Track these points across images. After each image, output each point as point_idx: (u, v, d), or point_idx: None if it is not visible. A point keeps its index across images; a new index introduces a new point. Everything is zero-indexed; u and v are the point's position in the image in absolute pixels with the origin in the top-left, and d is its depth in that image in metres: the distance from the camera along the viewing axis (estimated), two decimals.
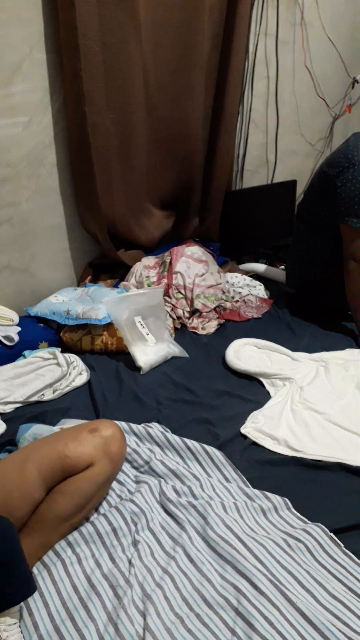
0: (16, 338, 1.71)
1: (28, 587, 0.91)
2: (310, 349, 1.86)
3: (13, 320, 1.76)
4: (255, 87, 2.34)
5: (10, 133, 1.72)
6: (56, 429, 1.33)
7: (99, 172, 1.86)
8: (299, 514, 1.18)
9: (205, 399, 1.59)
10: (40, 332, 1.80)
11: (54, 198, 1.93)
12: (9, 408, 1.51)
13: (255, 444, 1.40)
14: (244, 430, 1.44)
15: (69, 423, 1.40)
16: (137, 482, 1.26)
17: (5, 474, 1.02)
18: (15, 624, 0.89)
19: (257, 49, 2.27)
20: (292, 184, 2.65)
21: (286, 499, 1.21)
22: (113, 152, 1.92)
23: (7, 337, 1.69)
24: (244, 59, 2.13)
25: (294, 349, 1.83)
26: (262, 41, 2.27)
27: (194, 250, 2.22)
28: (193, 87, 2.00)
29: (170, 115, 2.02)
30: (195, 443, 1.35)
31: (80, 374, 1.68)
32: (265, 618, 0.90)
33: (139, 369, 1.73)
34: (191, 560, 1.04)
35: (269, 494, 1.22)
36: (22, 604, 0.95)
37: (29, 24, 1.64)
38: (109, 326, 1.80)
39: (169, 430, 1.42)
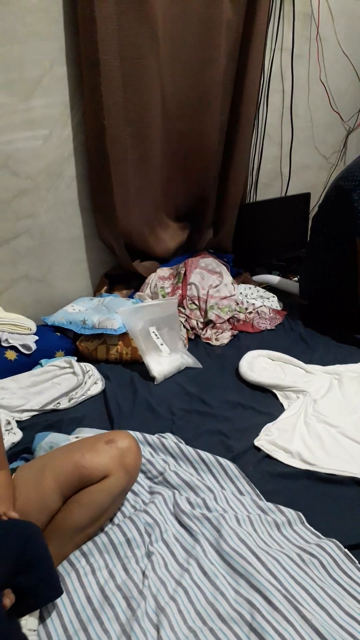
0: (33, 347, 1.73)
1: (57, 589, 0.93)
2: (323, 361, 1.86)
3: (30, 329, 1.79)
4: (270, 101, 2.37)
5: (31, 146, 1.75)
6: (72, 437, 1.34)
7: (116, 184, 1.89)
8: (312, 529, 1.17)
9: (219, 410, 1.59)
10: (57, 341, 1.82)
11: (72, 210, 1.95)
12: (25, 416, 1.53)
13: (268, 456, 1.40)
14: (257, 442, 1.44)
15: (84, 432, 1.41)
16: (151, 492, 1.27)
17: (24, 483, 1.04)
18: (34, 631, 0.90)
19: (273, 63, 2.29)
20: (306, 196, 2.66)
21: (300, 513, 1.21)
22: (130, 165, 1.94)
23: (25, 346, 1.72)
24: (259, 73, 2.15)
25: (307, 361, 1.84)
26: (277, 56, 2.29)
27: (208, 261, 2.24)
28: (209, 102, 2.03)
29: (186, 129, 2.04)
30: (209, 455, 1.35)
31: (95, 383, 1.70)
32: (279, 634, 0.90)
33: (153, 379, 1.74)
34: (205, 574, 1.04)
35: (282, 507, 1.22)
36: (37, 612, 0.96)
37: (50, 38, 1.67)
38: (124, 336, 1.82)
39: (182, 442, 1.43)
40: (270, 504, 1.23)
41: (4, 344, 1.69)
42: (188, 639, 0.92)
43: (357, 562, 1.08)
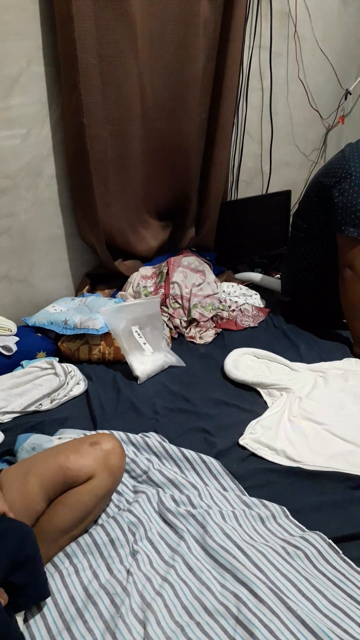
0: (14, 348, 1.71)
1: (45, 589, 0.94)
2: (306, 358, 1.87)
3: (11, 330, 1.76)
4: (249, 98, 2.38)
5: (9, 145, 1.73)
6: (54, 438, 1.33)
7: (97, 183, 1.88)
8: (297, 522, 1.18)
9: (202, 408, 1.59)
10: (38, 342, 1.80)
11: (52, 209, 1.94)
12: (6, 418, 1.52)
13: (253, 454, 1.41)
14: (242, 441, 1.44)
15: (67, 433, 1.40)
16: (135, 492, 1.26)
17: (8, 486, 1.03)
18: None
19: (252, 61, 2.31)
20: (287, 194, 2.68)
21: (284, 508, 1.21)
22: (111, 163, 1.94)
23: (5, 347, 1.70)
24: (238, 71, 2.16)
25: (291, 358, 1.84)
26: (256, 54, 2.31)
27: (191, 260, 2.24)
28: (188, 100, 2.03)
29: (166, 127, 2.04)
30: (193, 453, 1.35)
31: (77, 383, 1.68)
32: (266, 626, 0.90)
33: (136, 378, 1.73)
34: (190, 569, 1.04)
35: (266, 502, 1.22)
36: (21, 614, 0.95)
37: (27, 37, 1.66)
38: (107, 336, 1.81)
39: (166, 440, 1.42)
40: (254, 499, 1.23)
41: None
42: (175, 633, 0.91)
43: (341, 553, 1.08)
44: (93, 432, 1.38)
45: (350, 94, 2.81)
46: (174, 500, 1.21)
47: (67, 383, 1.65)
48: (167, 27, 1.88)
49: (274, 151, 2.61)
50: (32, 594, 0.93)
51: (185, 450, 1.36)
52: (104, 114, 1.83)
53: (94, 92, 1.76)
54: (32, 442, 1.28)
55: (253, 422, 1.52)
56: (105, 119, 1.84)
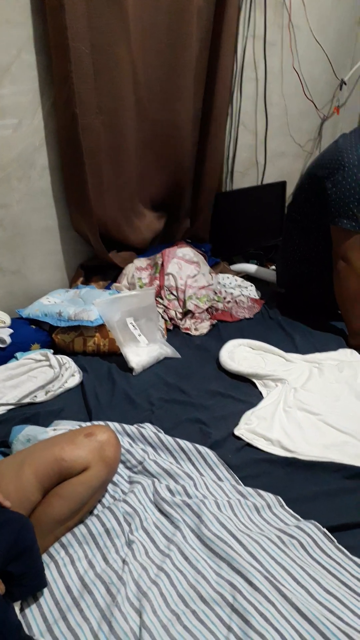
0: (8, 340, 1.70)
1: (42, 579, 0.95)
2: (301, 349, 1.87)
3: (5, 322, 1.76)
4: (244, 89, 2.36)
5: (0, 135, 1.72)
6: (49, 430, 1.33)
7: (90, 174, 1.87)
8: (292, 511, 1.18)
9: (198, 399, 1.59)
10: (32, 333, 1.79)
11: (45, 200, 1.93)
12: (1, 410, 1.51)
13: (248, 444, 1.41)
14: (237, 432, 1.44)
15: (62, 424, 1.40)
16: (131, 482, 1.26)
17: (3, 477, 1.03)
18: None
19: (246, 51, 2.29)
20: (282, 185, 2.67)
21: (279, 497, 1.21)
22: (104, 154, 1.92)
23: (0, 339, 1.69)
24: (232, 61, 2.15)
25: (286, 349, 1.84)
26: (250, 43, 2.29)
27: (186, 251, 2.23)
28: (182, 89, 2.01)
29: (160, 117, 2.03)
30: (188, 443, 1.35)
31: (72, 375, 1.68)
32: (261, 614, 0.91)
33: (131, 370, 1.73)
34: (186, 558, 1.04)
35: (262, 492, 1.23)
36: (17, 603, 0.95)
37: (18, 26, 1.64)
38: (101, 328, 1.80)
39: (161, 431, 1.42)
40: (249, 489, 1.23)
41: None
42: (171, 621, 0.92)
43: (335, 541, 1.09)
44: (88, 424, 1.38)
45: (345, 84, 2.79)
46: (170, 490, 1.21)
47: (62, 375, 1.65)
48: (160, 16, 1.86)
49: (268, 142, 2.59)
50: (29, 584, 0.94)
51: (180, 441, 1.36)
52: (96, 103, 1.81)
53: (86, 81, 1.74)
54: (27, 434, 1.28)
55: (248, 412, 1.52)
56: (98, 108, 1.82)
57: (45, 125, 1.81)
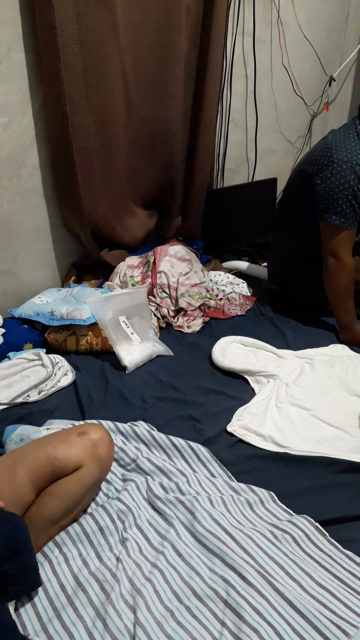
0: (0, 340, 1.70)
1: (36, 579, 0.95)
2: (293, 345, 1.88)
3: None
4: (233, 86, 2.36)
5: None
6: (42, 429, 1.33)
7: (80, 172, 1.86)
8: (284, 506, 1.19)
9: (191, 396, 1.60)
10: (25, 333, 1.79)
11: (36, 199, 1.92)
12: None
13: (241, 440, 1.42)
14: (230, 428, 1.44)
15: (55, 423, 1.40)
16: (124, 480, 1.27)
17: (1, 481, 1.03)
18: None
19: (235, 47, 2.29)
20: (273, 181, 2.68)
21: (271, 492, 1.22)
22: (94, 152, 1.92)
23: None
24: (221, 57, 2.15)
25: (277, 345, 1.85)
26: (239, 40, 2.29)
27: (178, 249, 2.23)
28: (172, 87, 2.01)
29: (150, 115, 2.02)
30: (181, 440, 1.36)
31: (65, 374, 1.68)
32: (254, 608, 0.92)
33: (124, 368, 1.73)
34: (179, 555, 1.05)
35: (254, 487, 1.23)
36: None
37: (6, 24, 1.63)
38: (94, 326, 1.80)
39: (154, 428, 1.43)
40: (242, 485, 1.24)
41: None
42: (165, 618, 0.92)
43: (328, 535, 1.10)
44: (81, 422, 1.38)
45: (335, 81, 2.80)
46: (163, 488, 1.22)
47: (55, 374, 1.65)
48: (149, 14, 1.85)
49: (259, 139, 2.60)
50: (24, 583, 0.94)
51: (173, 438, 1.36)
52: (86, 102, 1.81)
53: (75, 79, 1.74)
54: (20, 433, 1.28)
55: (240, 409, 1.53)
56: (88, 107, 1.82)
57: (35, 124, 1.80)
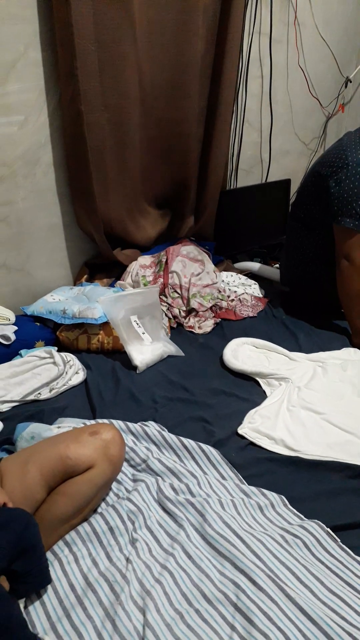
0: (13, 337, 1.70)
1: (46, 577, 0.95)
2: (305, 348, 1.87)
3: (9, 320, 1.76)
4: (249, 86, 2.35)
5: (6, 132, 1.71)
6: (53, 427, 1.33)
7: (95, 171, 1.86)
8: (295, 511, 1.18)
9: (201, 397, 1.59)
10: (37, 331, 1.79)
11: (50, 197, 1.92)
12: (5, 407, 1.51)
13: (252, 443, 1.41)
14: (241, 430, 1.44)
15: (66, 422, 1.40)
16: (135, 480, 1.26)
17: (8, 475, 1.03)
18: None
19: (251, 48, 2.28)
20: (286, 183, 2.67)
21: (282, 496, 1.22)
22: (109, 151, 1.91)
23: (4, 336, 1.69)
24: (237, 58, 2.13)
25: (289, 348, 1.84)
26: (255, 40, 2.28)
27: (190, 249, 2.23)
28: (187, 87, 2.01)
29: (165, 115, 2.02)
30: (192, 441, 1.35)
31: (76, 373, 1.68)
32: (264, 613, 0.91)
33: (135, 368, 1.73)
34: (190, 557, 1.04)
35: (265, 491, 1.23)
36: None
37: (24, 22, 1.63)
38: (105, 325, 1.80)
39: (165, 429, 1.42)
40: (253, 488, 1.23)
41: None
42: (174, 620, 0.92)
43: (339, 541, 1.09)
44: (92, 422, 1.38)
45: (351, 82, 2.78)
46: (173, 489, 1.22)
47: (66, 372, 1.65)
48: (166, 13, 1.85)
49: (273, 139, 2.59)
50: (33, 581, 0.94)
51: (184, 439, 1.36)
52: (102, 100, 1.80)
53: (91, 78, 1.74)
54: (31, 431, 1.28)
55: (252, 411, 1.52)
56: (104, 106, 1.82)
57: (51, 122, 1.80)
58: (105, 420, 1.40)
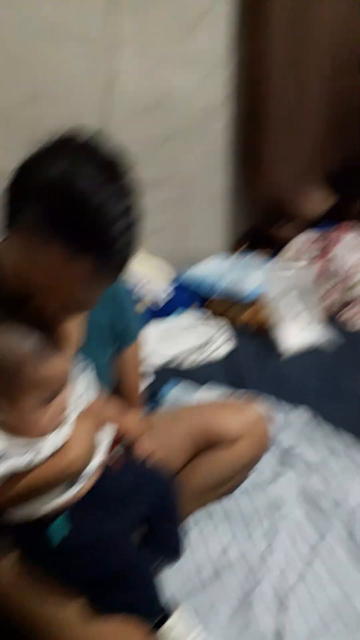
0: (169, 296, 1.72)
1: (178, 547, 0.90)
2: None
3: (164, 283, 1.76)
4: None
5: (186, 85, 1.68)
6: (198, 394, 1.31)
7: (268, 137, 1.83)
8: None
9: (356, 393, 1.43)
10: (189, 298, 1.79)
11: (218, 161, 1.89)
12: (157, 363, 1.51)
13: None
14: None
15: (211, 390, 1.37)
16: (278, 468, 1.17)
17: (155, 432, 0.99)
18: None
19: None
20: None
21: None
22: (285, 118, 1.85)
23: (157, 299, 1.70)
24: None
25: None
26: None
27: (357, 234, 2.04)
28: None
29: (343, 88, 1.88)
30: (347, 436, 1.23)
31: (225, 342, 1.64)
32: None
33: (283, 349, 1.63)
34: (330, 572, 0.93)
35: None
36: None
37: None
38: (256, 302, 1.73)
39: (315, 418, 1.31)
40: None
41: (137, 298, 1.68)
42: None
43: None
44: (240, 396, 1.32)
45: None
46: (318, 485, 1.11)
47: (217, 339, 1.62)
48: None
49: None
50: (166, 550, 0.90)
51: (339, 433, 1.24)
52: (287, 64, 1.71)
53: (279, 37, 1.64)
54: (176, 394, 1.28)
55: None
56: (287, 69, 1.72)
57: (231, 80, 1.74)
58: (254, 398, 1.32)
